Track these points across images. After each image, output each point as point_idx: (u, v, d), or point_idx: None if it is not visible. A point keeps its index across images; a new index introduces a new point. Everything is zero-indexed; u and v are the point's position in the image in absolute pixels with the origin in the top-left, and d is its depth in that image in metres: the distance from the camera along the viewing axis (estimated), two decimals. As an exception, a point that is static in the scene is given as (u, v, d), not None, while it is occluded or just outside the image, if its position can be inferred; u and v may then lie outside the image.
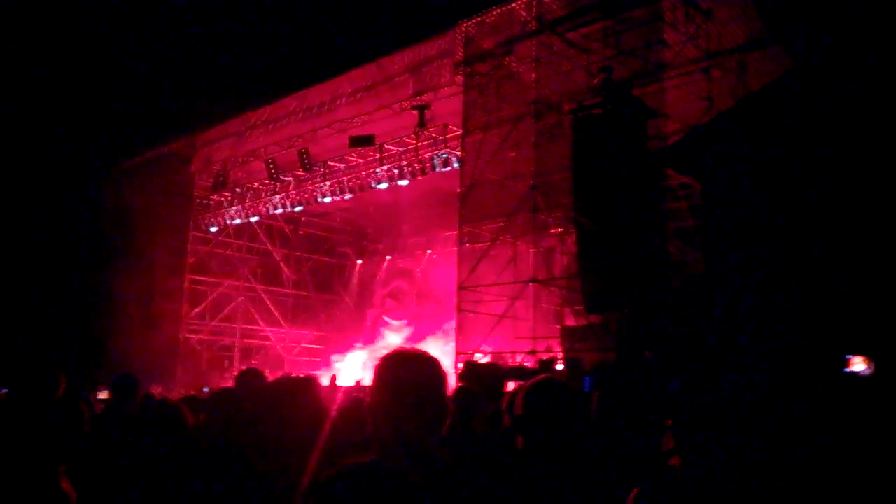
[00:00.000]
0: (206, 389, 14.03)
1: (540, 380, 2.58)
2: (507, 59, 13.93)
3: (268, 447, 2.52)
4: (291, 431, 2.51)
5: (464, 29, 14.18)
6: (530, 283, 12.77)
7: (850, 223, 8.45)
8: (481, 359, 12.64)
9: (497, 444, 4.13)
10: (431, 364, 1.99)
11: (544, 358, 11.97)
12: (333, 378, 14.33)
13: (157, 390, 13.57)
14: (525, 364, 12.23)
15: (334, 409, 2.94)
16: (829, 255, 8.49)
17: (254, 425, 2.76)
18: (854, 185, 8.53)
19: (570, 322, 13.30)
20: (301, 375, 2.89)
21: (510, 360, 12.86)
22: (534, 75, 13.32)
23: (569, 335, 12.41)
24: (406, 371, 1.96)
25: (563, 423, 2.45)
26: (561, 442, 2.42)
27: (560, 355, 12.19)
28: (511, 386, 10.15)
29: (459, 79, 14.45)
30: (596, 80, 12.49)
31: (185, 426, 3.66)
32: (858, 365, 7.34)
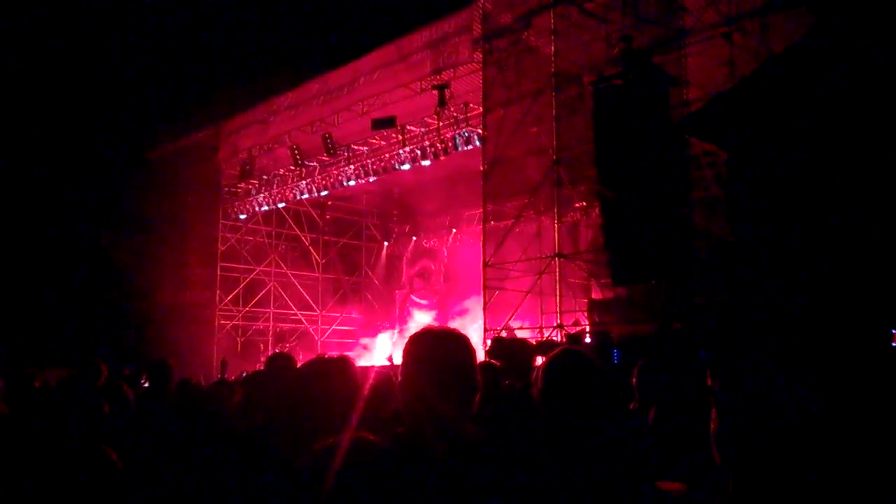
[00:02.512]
0: (244, 374, 14.31)
1: (558, 353, 2.56)
2: (526, 33, 13.79)
3: (302, 427, 2.57)
4: (325, 411, 2.52)
5: (481, 4, 14.08)
6: (556, 258, 12.77)
7: (887, 187, 8.24)
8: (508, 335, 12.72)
9: (522, 421, 4.15)
10: (459, 341, 2.03)
11: (572, 332, 12.01)
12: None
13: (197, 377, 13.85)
14: (553, 338, 12.28)
15: (367, 387, 2.95)
16: (865, 221, 8.31)
17: (287, 407, 2.80)
18: (888, 148, 8.33)
19: (597, 295, 13.31)
20: (335, 356, 2.91)
21: (538, 335, 12.91)
22: (553, 48, 13.19)
23: (596, 308, 12.42)
24: (434, 348, 1.99)
25: (585, 394, 2.42)
26: (585, 415, 2.38)
27: (588, 328, 12.22)
28: (540, 361, 10.22)
29: (478, 56, 14.37)
30: (616, 50, 12.33)
31: (219, 412, 3.78)
32: None
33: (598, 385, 2.44)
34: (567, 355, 2.54)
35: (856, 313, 7.58)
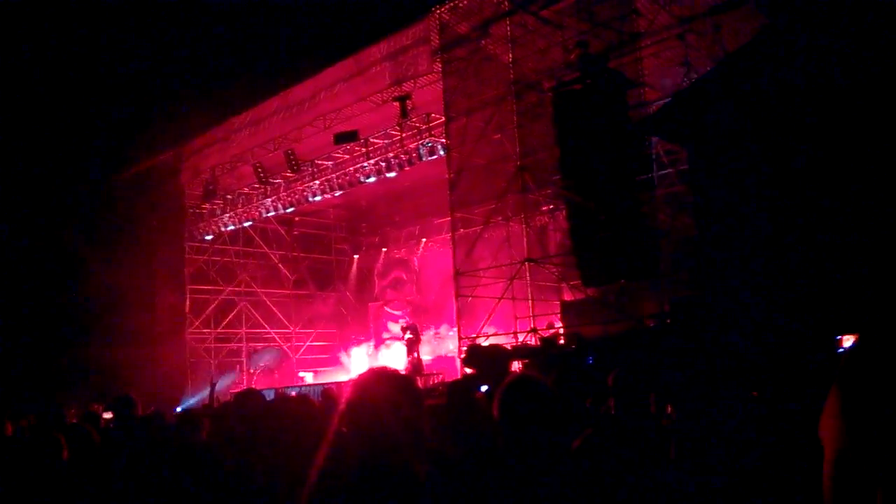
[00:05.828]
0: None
1: (512, 382, 2.54)
2: (484, 41, 13.91)
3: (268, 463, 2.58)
4: (287, 452, 2.58)
5: (437, 15, 14.14)
6: (526, 263, 12.86)
7: (840, 180, 8.44)
8: (484, 341, 12.76)
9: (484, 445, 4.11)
10: (397, 383, 2.09)
11: (546, 335, 12.10)
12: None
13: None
14: (528, 342, 12.36)
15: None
16: (819, 215, 8.49)
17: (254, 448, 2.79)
18: (838, 139, 8.55)
19: (569, 297, 13.43)
20: (293, 395, 2.92)
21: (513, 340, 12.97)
22: (511, 56, 13.32)
23: (568, 310, 12.54)
24: (371, 392, 2.06)
25: (539, 423, 2.40)
26: (542, 441, 2.39)
27: (561, 331, 12.33)
28: (516, 365, 10.25)
29: (438, 66, 14.43)
30: (573, 56, 12.50)
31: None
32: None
33: (554, 411, 2.45)
34: (522, 387, 2.52)
35: (809, 311, 7.72)
